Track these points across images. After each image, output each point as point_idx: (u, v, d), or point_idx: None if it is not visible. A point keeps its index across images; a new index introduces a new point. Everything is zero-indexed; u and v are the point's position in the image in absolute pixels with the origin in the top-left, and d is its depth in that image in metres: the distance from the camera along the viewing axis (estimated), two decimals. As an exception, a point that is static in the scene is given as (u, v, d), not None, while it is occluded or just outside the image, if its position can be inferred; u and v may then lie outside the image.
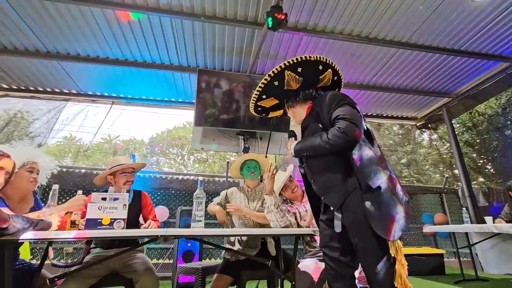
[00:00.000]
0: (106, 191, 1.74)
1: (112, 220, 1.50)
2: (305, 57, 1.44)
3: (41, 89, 4.41)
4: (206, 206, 2.20)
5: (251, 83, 4.09)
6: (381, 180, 1.22)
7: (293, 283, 1.65)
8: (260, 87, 1.54)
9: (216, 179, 5.59)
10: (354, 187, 1.24)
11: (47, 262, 1.59)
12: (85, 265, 1.73)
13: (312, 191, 1.50)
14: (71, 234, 1.35)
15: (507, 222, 3.29)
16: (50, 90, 4.45)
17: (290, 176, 2.31)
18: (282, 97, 1.63)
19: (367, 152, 1.27)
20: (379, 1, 3.07)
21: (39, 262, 1.59)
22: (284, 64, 1.45)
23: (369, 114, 5.48)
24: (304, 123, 1.51)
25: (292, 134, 1.57)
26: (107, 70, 4.05)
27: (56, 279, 1.47)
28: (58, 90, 4.48)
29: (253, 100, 1.63)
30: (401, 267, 1.14)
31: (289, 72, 1.47)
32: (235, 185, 2.54)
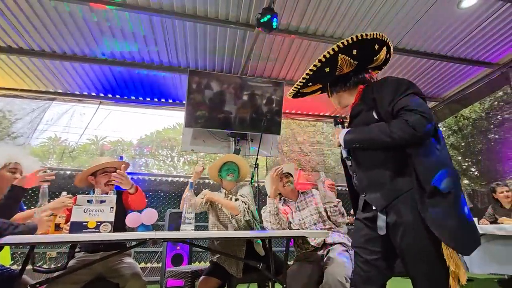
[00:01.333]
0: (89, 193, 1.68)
1: (98, 224, 1.45)
2: (361, 35, 1.25)
3: (24, 87, 4.26)
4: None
5: (242, 85, 4.08)
6: (451, 183, 1.05)
7: (285, 286, 1.63)
8: (307, 74, 1.35)
9: (206, 181, 5.54)
10: (409, 187, 1.10)
11: (28, 267, 1.52)
12: (69, 270, 1.66)
13: (352, 185, 1.37)
14: (53, 238, 1.30)
15: (491, 223, 3.38)
16: (34, 89, 4.30)
17: (289, 173, 2.31)
18: (327, 82, 1.44)
19: (434, 150, 1.09)
20: (368, 5, 3.12)
21: (20, 267, 1.52)
22: (338, 46, 1.25)
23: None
24: (355, 110, 1.32)
25: (340, 121, 1.37)
26: (94, 69, 3.95)
27: (38, 285, 1.41)
28: (43, 89, 4.34)
29: (296, 87, 1.45)
30: (454, 273, 1.01)
31: (343, 55, 1.27)
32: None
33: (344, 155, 1.29)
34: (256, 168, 3.58)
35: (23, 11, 2.98)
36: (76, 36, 3.37)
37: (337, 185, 6.51)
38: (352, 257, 1.95)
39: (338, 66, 1.31)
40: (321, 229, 2.09)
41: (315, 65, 1.31)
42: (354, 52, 1.28)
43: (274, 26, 2.94)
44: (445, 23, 3.36)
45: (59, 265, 1.97)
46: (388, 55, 1.43)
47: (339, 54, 1.27)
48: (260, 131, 3.85)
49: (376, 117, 1.20)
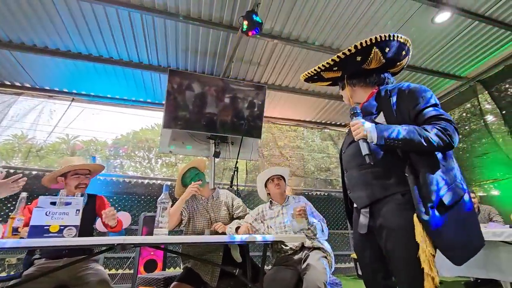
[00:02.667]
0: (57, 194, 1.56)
1: (62, 227, 1.34)
2: (397, 36, 1.26)
3: (-12, 80, 3.95)
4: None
5: (224, 87, 4.03)
6: (454, 197, 1.07)
7: (261, 292, 1.59)
8: (339, 57, 1.31)
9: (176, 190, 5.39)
10: (396, 191, 1.12)
11: (-21, 276, 1.37)
12: (26, 279, 1.52)
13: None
14: (8, 243, 1.18)
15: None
16: (-1, 82, 4.01)
17: (282, 177, 2.30)
18: (350, 71, 1.40)
19: (441, 162, 1.11)
20: (349, 15, 3.21)
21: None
22: (376, 38, 1.24)
23: (334, 123, 5.68)
24: (367, 109, 1.30)
25: (360, 113, 1.23)
26: (67, 64, 3.74)
27: (-12, 295, 1.27)
28: (8, 83, 4.04)
29: (318, 68, 1.40)
30: (430, 276, 1.03)
31: (377, 50, 1.27)
32: None
33: (365, 151, 1.15)
34: (236, 172, 3.54)
35: (-12, -3, 2.77)
36: (48, 28, 3.18)
37: (316, 189, 6.59)
38: (330, 263, 1.95)
39: (369, 58, 1.29)
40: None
41: (349, 50, 1.28)
42: (387, 50, 1.28)
43: (257, 30, 2.94)
44: (420, 36, 3.52)
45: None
46: (405, 65, 1.46)
47: (374, 47, 1.26)
48: (241, 135, 3.81)
49: (383, 120, 1.20)
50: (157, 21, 3.21)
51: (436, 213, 1.04)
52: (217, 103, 4.00)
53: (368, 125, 1.16)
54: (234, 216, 2.28)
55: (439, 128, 1.08)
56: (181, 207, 2.07)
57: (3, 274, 3.80)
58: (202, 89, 3.93)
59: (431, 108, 1.14)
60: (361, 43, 1.25)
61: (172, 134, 4.03)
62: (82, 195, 1.90)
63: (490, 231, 2.49)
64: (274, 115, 5.25)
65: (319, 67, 1.40)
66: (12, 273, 3.75)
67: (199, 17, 3.18)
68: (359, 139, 1.17)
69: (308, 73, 1.45)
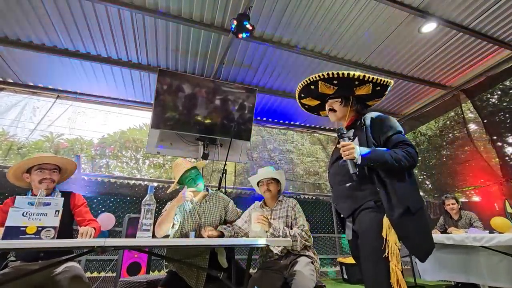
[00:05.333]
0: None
1: (40, 229, 1.29)
2: (387, 81, 1.56)
3: (-33, 74, 3.80)
4: (156, 214, 2.02)
5: (215, 89, 4.01)
6: (418, 206, 1.30)
7: (245, 296, 1.57)
8: (343, 73, 1.51)
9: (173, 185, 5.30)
10: (368, 199, 1.34)
11: None
12: (-1, 282, 1.45)
13: None
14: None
15: (441, 233, 3.63)
16: (-21, 76, 3.85)
17: (276, 180, 2.25)
18: (343, 90, 1.62)
19: (406, 177, 1.35)
20: (339, 23, 3.26)
21: None
22: (374, 78, 1.53)
23: (323, 127, 5.74)
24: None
25: (349, 136, 1.48)
26: (53, 60, 3.64)
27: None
28: (-11, 78, 3.90)
29: (323, 76, 1.56)
30: (396, 268, 1.21)
31: (371, 86, 1.57)
32: None
33: (352, 170, 1.35)
34: (224, 174, 3.51)
35: (-30, -12, 2.67)
36: (33, 22, 3.09)
37: (304, 193, 6.62)
38: (317, 269, 1.95)
39: (363, 86, 1.57)
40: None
41: (354, 75, 1.51)
42: (378, 88, 1.58)
43: (248, 33, 2.95)
44: (407, 45, 3.61)
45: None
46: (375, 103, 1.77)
47: (371, 83, 1.55)
48: (230, 137, 3.79)
49: (357, 143, 1.42)
50: (148, 20, 3.16)
51: (404, 217, 1.25)
52: (207, 105, 3.97)
53: (357, 148, 1.37)
54: (227, 220, 2.24)
55: (405, 151, 1.33)
56: (173, 213, 1.98)
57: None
58: (192, 90, 3.90)
59: (397, 135, 1.40)
60: (364, 76, 1.51)
61: (160, 135, 3.97)
62: (52, 192, 1.81)
63: (471, 236, 2.55)
64: (264, 118, 5.26)
65: (324, 75, 1.55)
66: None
67: (191, 18, 3.16)
68: (348, 159, 1.37)
69: (309, 79, 1.60)
